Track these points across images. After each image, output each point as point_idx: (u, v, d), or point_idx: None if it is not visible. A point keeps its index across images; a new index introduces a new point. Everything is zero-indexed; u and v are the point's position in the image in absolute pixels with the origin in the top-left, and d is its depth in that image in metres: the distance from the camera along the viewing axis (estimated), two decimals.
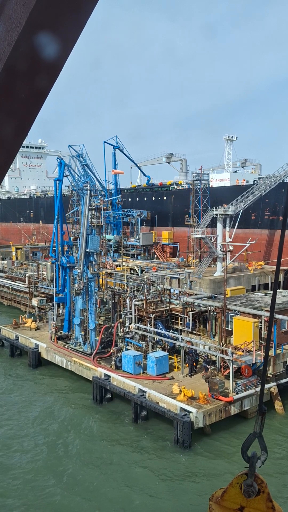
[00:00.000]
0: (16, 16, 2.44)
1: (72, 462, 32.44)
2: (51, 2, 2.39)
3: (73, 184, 59.58)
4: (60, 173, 53.33)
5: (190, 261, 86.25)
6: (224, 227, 76.69)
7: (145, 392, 37.50)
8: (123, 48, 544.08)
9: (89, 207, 46.93)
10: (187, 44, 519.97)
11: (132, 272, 74.56)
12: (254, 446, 3.83)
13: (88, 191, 46.67)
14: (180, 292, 51.90)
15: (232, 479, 3.68)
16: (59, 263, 53.41)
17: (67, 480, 30.35)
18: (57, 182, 53.85)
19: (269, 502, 3.53)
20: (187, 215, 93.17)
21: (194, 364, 41.73)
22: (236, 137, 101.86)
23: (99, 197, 52.46)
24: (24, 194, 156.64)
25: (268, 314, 39.76)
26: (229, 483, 3.67)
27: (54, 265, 55.41)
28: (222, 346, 41.01)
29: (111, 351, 45.26)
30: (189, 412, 33.79)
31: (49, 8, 2.40)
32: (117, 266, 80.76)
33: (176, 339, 42.88)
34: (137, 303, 47.80)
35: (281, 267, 70.66)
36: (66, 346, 49.75)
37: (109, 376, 41.30)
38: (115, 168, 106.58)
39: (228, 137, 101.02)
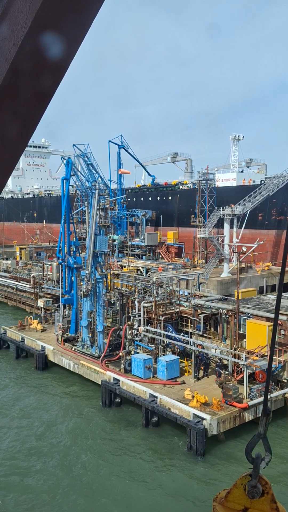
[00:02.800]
0: (22, 16, 2.42)
1: (80, 469, 31.41)
2: (58, 2, 2.37)
3: (77, 183, 58.60)
4: (68, 172, 52.29)
5: (196, 262, 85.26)
6: (231, 227, 75.67)
7: (156, 397, 36.46)
8: (127, 48, 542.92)
9: (98, 207, 45.92)
10: (191, 44, 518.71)
11: (138, 273, 73.58)
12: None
13: (97, 190, 45.65)
14: (189, 293, 50.84)
15: (236, 480, 3.66)
16: (66, 263, 52.36)
17: (74, 489, 29.32)
18: (64, 181, 52.79)
19: (273, 503, 3.51)
20: (193, 215, 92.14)
21: (202, 367, 40.74)
22: (243, 137, 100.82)
23: (106, 196, 51.45)
24: (27, 194, 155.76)
25: (283, 317, 38.73)
26: (233, 484, 3.65)
27: (60, 265, 54.34)
28: (235, 350, 39.96)
29: (120, 354, 44.24)
30: (203, 419, 32.74)
31: (56, 8, 2.39)
32: (121, 266, 79.81)
33: (187, 343, 41.77)
34: (146, 305, 46.72)
35: (287, 269, 69.45)
36: (73, 349, 48.72)
37: (118, 380, 40.25)
38: (121, 168, 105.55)
39: (235, 136, 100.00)
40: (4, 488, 29.67)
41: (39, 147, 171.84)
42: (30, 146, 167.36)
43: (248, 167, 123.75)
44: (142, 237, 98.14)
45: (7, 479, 30.73)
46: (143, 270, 75.50)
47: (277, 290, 4.13)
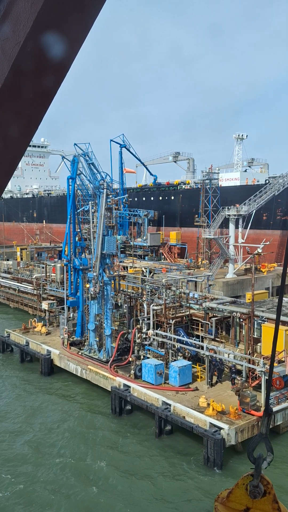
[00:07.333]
0: (24, 16, 2.43)
1: (87, 481, 29.95)
2: (59, 2, 2.38)
3: (78, 183, 57.17)
4: (73, 171, 50.84)
5: (200, 263, 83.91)
6: (237, 227, 74.38)
7: (170, 405, 35.03)
8: (128, 48, 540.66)
9: (106, 206, 44.50)
10: (193, 44, 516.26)
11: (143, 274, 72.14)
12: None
13: (105, 190, 44.21)
14: (199, 296, 49.41)
15: (238, 480, 3.62)
16: (71, 265, 50.89)
17: (82, 501, 27.90)
18: (70, 180, 51.32)
19: (275, 503, 3.50)
20: (196, 215, 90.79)
21: (216, 373, 39.38)
22: (246, 136, 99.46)
23: (110, 196, 50.08)
24: (27, 194, 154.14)
25: None
26: (235, 484, 3.63)
27: (66, 267, 52.89)
28: (249, 355, 38.58)
29: (128, 359, 42.81)
30: (220, 428, 31.35)
31: (57, 8, 2.40)
32: (124, 267, 78.35)
33: (201, 348, 40.31)
34: (155, 308, 45.28)
35: None
36: (80, 353, 47.25)
37: (129, 387, 38.81)
38: (123, 167, 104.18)
39: (238, 135, 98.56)
40: (8, 490, 28.29)
41: (39, 146, 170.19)
42: (30, 146, 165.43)
43: (250, 166, 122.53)
44: (144, 238, 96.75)
45: (11, 482, 29.34)
46: (146, 271, 74.10)
47: (279, 292, 4.09)
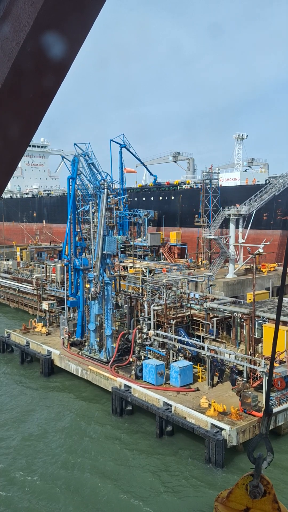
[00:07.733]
0: (24, 16, 2.44)
1: (88, 483, 29.85)
2: (59, 2, 2.39)
3: (78, 183, 57.08)
4: (74, 171, 50.71)
5: (200, 263, 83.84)
6: (237, 227, 74.30)
7: (171, 405, 34.92)
8: (128, 48, 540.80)
9: (106, 206, 44.39)
10: (193, 44, 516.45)
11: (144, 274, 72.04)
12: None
13: (105, 190, 44.10)
14: (200, 296, 49.31)
15: (238, 480, 3.65)
16: (72, 265, 50.78)
17: (83, 501, 27.81)
18: (70, 180, 51.19)
19: (275, 503, 3.51)
20: (196, 215, 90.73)
21: (217, 374, 39.28)
22: (247, 136, 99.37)
23: (111, 196, 49.97)
24: (26, 194, 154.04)
25: None
26: (235, 484, 3.65)
27: (66, 267, 52.78)
28: (250, 355, 38.49)
29: (129, 359, 42.71)
30: (222, 429, 31.24)
31: (57, 8, 2.40)
32: (124, 267, 78.31)
33: (202, 348, 40.21)
34: (156, 308, 45.18)
35: None
36: (80, 353, 47.15)
37: (130, 387, 38.70)
38: (123, 167, 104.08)
39: (238, 135, 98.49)
40: (13, 489, 28.24)
41: (39, 146, 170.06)
42: (30, 146, 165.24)
43: (250, 166, 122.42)
44: (144, 238, 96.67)
45: (15, 481, 29.26)
46: (146, 271, 74.02)
47: (279, 292, 4.05)
